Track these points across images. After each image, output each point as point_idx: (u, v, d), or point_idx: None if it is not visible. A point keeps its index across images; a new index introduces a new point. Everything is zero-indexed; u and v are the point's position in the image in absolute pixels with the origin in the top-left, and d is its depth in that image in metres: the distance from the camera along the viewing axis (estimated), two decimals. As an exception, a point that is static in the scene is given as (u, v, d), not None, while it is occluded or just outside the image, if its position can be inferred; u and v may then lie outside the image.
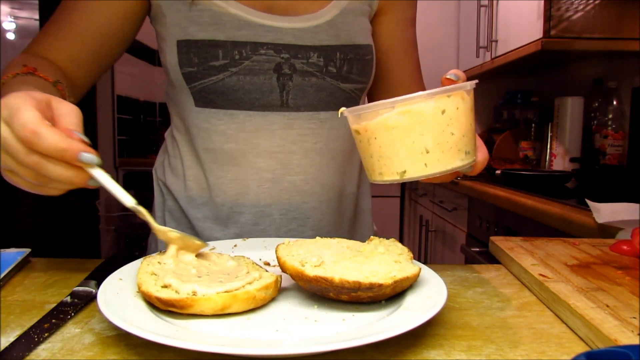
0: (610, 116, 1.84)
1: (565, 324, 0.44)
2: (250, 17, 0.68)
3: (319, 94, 0.71)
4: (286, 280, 0.49)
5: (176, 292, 0.42)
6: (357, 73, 0.73)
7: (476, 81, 0.48)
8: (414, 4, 0.82)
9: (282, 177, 0.73)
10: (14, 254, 0.59)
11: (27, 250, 0.61)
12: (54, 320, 0.43)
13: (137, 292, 0.45)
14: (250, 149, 0.71)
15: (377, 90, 0.83)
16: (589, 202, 0.99)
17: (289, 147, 0.72)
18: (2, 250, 0.60)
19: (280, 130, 0.71)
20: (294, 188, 0.73)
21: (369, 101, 0.82)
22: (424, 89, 0.84)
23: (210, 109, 0.70)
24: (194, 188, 0.76)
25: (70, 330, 0.42)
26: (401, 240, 2.58)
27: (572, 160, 1.91)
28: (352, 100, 0.75)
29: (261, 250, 0.60)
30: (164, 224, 0.80)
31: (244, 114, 0.70)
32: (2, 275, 0.54)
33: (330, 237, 0.55)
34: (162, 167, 0.82)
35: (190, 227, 0.78)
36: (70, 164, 0.43)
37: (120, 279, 0.47)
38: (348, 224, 0.82)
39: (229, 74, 0.68)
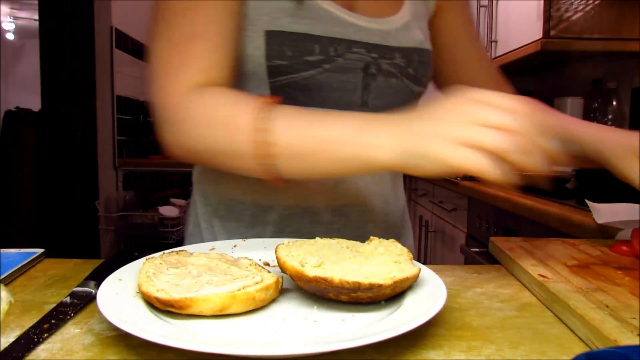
0: (610, 116, 1.84)
1: (565, 324, 0.44)
2: (343, 14, 0.68)
3: (396, 95, 0.72)
4: (286, 281, 0.49)
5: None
6: (426, 76, 0.74)
7: None
8: (467, 3, 0.84)
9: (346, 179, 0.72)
10: (24, 254, 0.60)
11: (40, 251, 0.62)
12: (53, 321, 0.43)
13: (137, 292, 0.45)
14: None
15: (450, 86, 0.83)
16: (588, 202, 0.99)
17: None
18: (15, 249, 0.61)
19: None
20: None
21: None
22: (498, 81, 0.84)
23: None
24: (257, 190, 0.71)
25: (70, 331, 0.42)
26: (401, 241, 2.57)
27: (572, 160, 1.91)
28: (414, 104, 0.76)
29: (261, 250, 0.60)
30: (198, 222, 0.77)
31: None
32: (9, 273, 0.54)
33: (331, 238, 0.55)
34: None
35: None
36: None
37: (120, 279, 0.47)
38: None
39: (322, 71, 0.65)
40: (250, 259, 0.51)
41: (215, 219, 0.75)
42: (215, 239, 0.75)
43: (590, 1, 1.72)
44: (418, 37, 0.73)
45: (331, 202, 0.72)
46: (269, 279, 0.45)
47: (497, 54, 2.20)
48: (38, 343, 0.39)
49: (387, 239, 0.53)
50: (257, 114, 0.52)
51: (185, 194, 3.01)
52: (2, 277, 0.53)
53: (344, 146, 0.50)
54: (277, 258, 0.47)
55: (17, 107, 3.60)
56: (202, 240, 0.76)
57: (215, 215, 0.75)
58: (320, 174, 0.56)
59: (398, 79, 0.71)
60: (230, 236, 0.74)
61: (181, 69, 0.58)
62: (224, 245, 0.60)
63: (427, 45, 0.75)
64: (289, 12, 0.64)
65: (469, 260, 1.75)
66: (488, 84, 0.81)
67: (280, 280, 0.46)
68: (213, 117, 0.55)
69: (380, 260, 0.47)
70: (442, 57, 0.82)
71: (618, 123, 1.82)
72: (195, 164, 0.59)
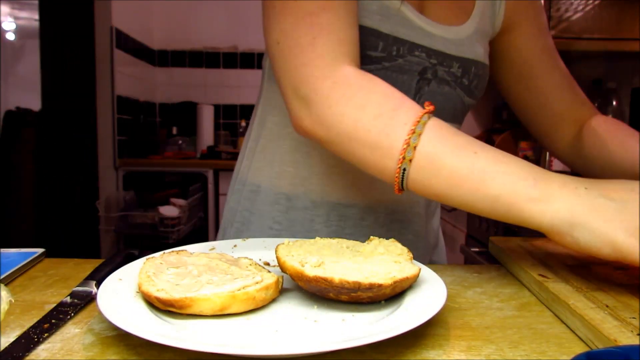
0: (610, 117, 1.84)
1: (565, 324, 0.44)
2: (412, 16, 0.68)
3: (446, 103, 0.72)
4: (286, 281, 0.49)
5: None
6: (480, 90, 0.75)
7: None
8: (542, 11, 0.82)
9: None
10: (24, 254, 0.60)
11: (40, 251, 0.62)
12: (53, 321, 0.43)
13: (137, 292, 0.45)
14: None
15: (529, 109, 0.83)
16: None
17: None
18: (15, 249, 0.61)
19: None
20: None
21: (523, 116, 0.84)
22: (579, 96, 0.82)
23: None
24: (314, 182, 0.74)
25: (70, 330, 0.42)
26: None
27: (571, 160, 1.91)
28: (464, 115, 0.78)
29: (261, 250, 0.60)
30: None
31: None
32: (9, 273, 0.54)
33: (331, 238, 0.55)
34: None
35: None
36: None
37: (120, 279, 0.47)
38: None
39: (380, 68, 0.66)
40: (250, 259, 0.51)
41: (253, 203, 0.77)
42: (249, 223, 0.77)
43: (590, 1, 1.72)
44: (479, 51, 0.74)
45: (388, 204, 0.75)
46: (269, 278, 0.45)
47: (497, 54, 2.20)
48: (38, 343, 0.39)
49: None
50: (415, 125, 0.51)
51: (185, 193, 3.01)
52: (2, 277, 0.53)
53: (493, 183, 0.51)
54: (277, 258, 0.47)
55: (17, 107, 3.60)
56: (234, 222, 0.79)
57: (254, 199, 0.77)
58: (449, 202, 0.53)
59: (451, 87, 0.72)
60: (264, 221, 0.76)
61: (320, 40, 0.56)
62: (224, 245, 0.61)
63: (486, 60, 0.76)
64: (362, 6, 0.64)
65: (469, 260, 1.76)
66: (561, 100, 0.80)
67: (280, 280, 0.46)
68: (371, 107, 0.54)
69: (380, 260, 0.47)
70: (511, 73, 0.81)
71: (618, 123, 1.82)
72: (319, 141, 0.58)
